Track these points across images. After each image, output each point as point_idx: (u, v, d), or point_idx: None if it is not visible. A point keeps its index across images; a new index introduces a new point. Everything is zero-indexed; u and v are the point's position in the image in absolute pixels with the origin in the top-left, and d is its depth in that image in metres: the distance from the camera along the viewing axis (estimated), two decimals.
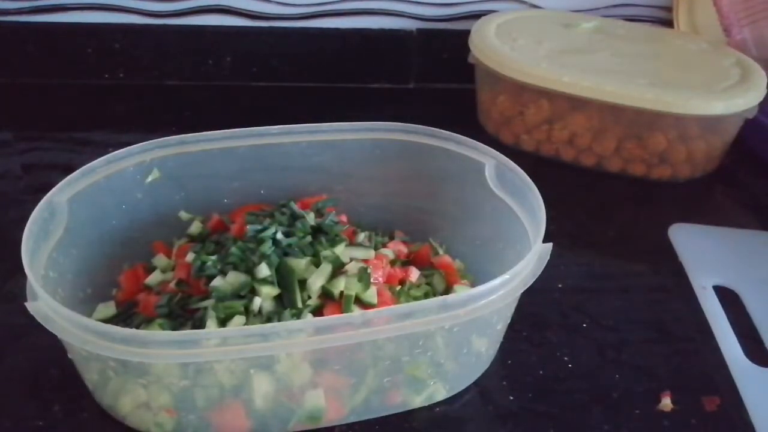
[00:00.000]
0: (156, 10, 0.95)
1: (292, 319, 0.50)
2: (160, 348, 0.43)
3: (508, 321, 0.56)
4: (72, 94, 0.95)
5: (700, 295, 0.65)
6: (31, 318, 0.45)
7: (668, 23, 1.01)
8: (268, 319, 0.51)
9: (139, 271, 0.59)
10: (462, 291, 0.55)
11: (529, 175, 0.57)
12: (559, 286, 0.66)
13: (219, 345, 0.44)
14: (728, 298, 0.65)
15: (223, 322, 0.50)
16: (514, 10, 0.98)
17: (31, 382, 0.48)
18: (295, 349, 0.47)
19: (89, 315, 0.55)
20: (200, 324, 0.51)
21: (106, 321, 0.54)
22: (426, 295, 0.58)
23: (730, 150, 0.85)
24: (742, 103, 0.78)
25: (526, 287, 0.50)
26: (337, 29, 0.99)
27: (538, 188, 0.56)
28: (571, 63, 0.82)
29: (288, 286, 0.52)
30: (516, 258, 0.50)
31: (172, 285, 0.56)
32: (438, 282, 0.60)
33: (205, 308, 0.52)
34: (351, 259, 0.56)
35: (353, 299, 0.52)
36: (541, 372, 0.57)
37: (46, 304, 0.45)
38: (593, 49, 0.86)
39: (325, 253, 0.55)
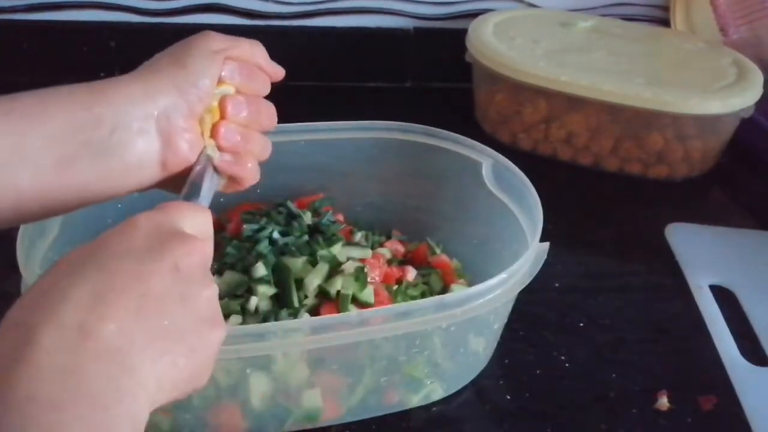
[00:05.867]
0: (152, 8, 0.95)
1: (288, 319, 0.50)
2: None
3: (505, 320, 0.55)
4: None
5: (697, 294, 0.65)
6: None
7: (665, 22, 1.01)
8: (265, 319, 0.51)
9: None
10: (459, 290, 0.55)
11: (526, 175, 0.57)
12: (556, 285, 0.66)
13: None
14: (725, 298, 0.65)
15: None
16: (511, 9, 0.97)
17: None
18: (292, 349, 0.46)
19: None
20: None
21: None
22: (423, 295, 0.58)
23: (727, 149, 0.85)
24: (738, 102, 0.78)
25: (523, 286, 0.50)
26: (333, 28, 0.99)
27: (536, 187, 0.56)
28: (569, 62, 0.82)
29: (285, 286, 0.52)
30: (513, 257, 0.50)
31: None
32: (435, 281, 0.60)
33: None
34: (348, 259, 0.56)
35: (350, 299, 0.52)
36: (538, 371, 0.57)
37: None
38: (590, 48, 0.86)
39: (322, 252, 0.55)
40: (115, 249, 0.32)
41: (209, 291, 0.33)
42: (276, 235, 0.56)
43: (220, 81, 0.43)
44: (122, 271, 0.30)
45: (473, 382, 0.55)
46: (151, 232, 0.33)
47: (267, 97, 0.47)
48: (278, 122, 0.63)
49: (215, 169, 0.43)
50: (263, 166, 0.65)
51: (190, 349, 0.31)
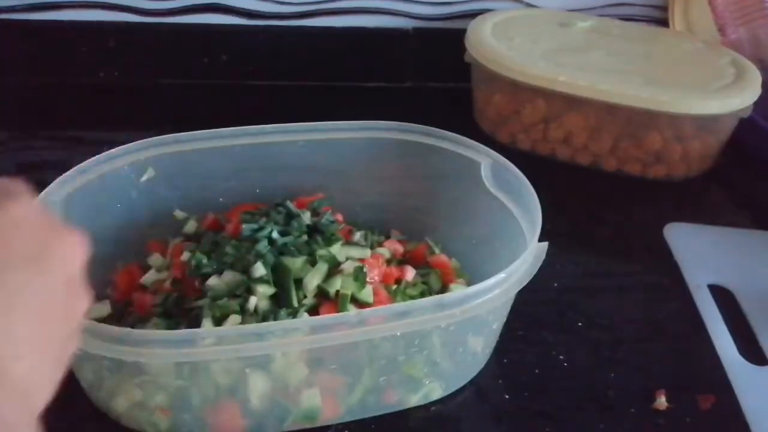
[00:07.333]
0: (151, 8, 0.95)
1: (287, 319, 0.50)
2: (155, 347, 0.43)
3: (504, 320, 0.56)
4: (67, 92, 0.94)
5: (695, 293, 0.65)
6: None
7: (663, 23, 1.01)
8: (264, 319, 0.51)
9: (134, 270, 0.59)
10: (458, 290, 0.55)
11: (525, 174, 0.57)
12: (555, 285, 0.66)
13: (214, 344, 0.43)
14: (723, 297, 0.65)
15: (218, 322, 0.50)
16: (510, 9, 0.97)
17: None
18: (291, 349, 0.46)
19: None
20: (196, 323, 0.51)
21: (101, 320, 0.54)
22: (422, 294, 0.58)
23: (725, 149, 0.85)
24: (736, 102, 0.78)
25: (522, 286, 0.50)
26: (332, 28, 0.99)
27: (534, 187, 0.56)
28: (567, 62, 0.82)
29: (284, 285, 0.52)
30: (512, 257, 0.50)
31: (167, 284, 0.56)
32: (434, 281, 0.60)
33: (201, 307, 0.52)
34: (347, 258, 0.56)
35: (349, 298, 0.52)
36: (536, 371, 0.57)
37: None
38: (589, 48, 0.86)
39: (321, 252, 0.55)
40: None
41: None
42: (275, 234, 0.56)
43: None
44: None
45: (472, 382, 0.55)
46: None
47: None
48: (278, 122, 0.63)
49: None
50: (263, 166, 0.65)
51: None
